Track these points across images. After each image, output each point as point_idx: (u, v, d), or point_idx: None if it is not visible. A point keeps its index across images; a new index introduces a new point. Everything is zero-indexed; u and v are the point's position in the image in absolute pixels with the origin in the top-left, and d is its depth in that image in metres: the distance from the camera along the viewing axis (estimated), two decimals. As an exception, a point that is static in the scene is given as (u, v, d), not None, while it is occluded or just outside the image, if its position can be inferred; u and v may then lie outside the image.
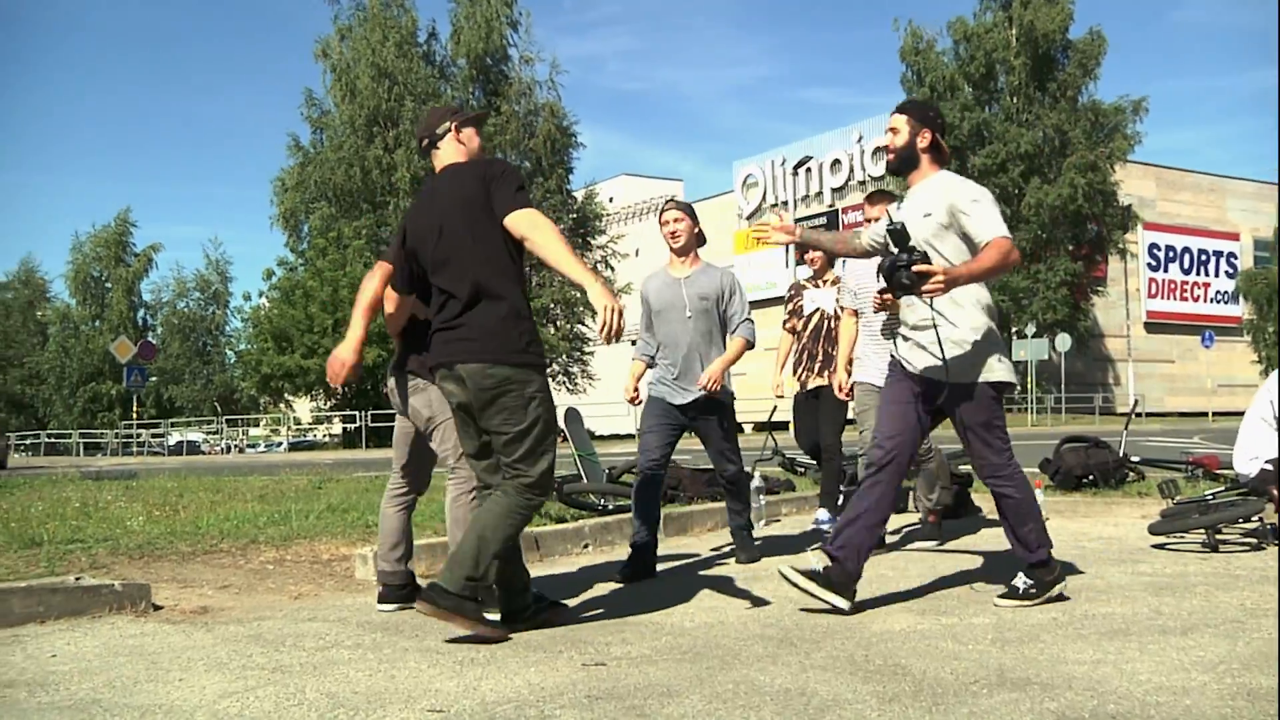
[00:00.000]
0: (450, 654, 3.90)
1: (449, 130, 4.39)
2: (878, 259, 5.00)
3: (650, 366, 5.96)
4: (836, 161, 51.77)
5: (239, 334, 54.32)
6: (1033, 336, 39.03)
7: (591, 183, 46.77)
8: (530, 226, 4.01)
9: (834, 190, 51.95)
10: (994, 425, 4.63)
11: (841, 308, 6.85)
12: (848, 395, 6.76)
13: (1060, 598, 4.63)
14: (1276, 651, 3.60)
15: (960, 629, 4.17)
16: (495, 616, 4.23)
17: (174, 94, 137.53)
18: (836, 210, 51.27)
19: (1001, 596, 4.64)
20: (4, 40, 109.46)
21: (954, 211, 4.48)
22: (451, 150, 4.38)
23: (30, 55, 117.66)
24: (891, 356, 4.82)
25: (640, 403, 5.93)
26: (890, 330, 4.92)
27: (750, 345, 5.87)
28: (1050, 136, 41.51)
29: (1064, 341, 39.43)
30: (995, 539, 6.80)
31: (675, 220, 5.84)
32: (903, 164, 4.70)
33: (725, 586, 5.32)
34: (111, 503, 8.74)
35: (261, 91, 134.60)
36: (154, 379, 57.07)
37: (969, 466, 9.59)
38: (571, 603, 4.90)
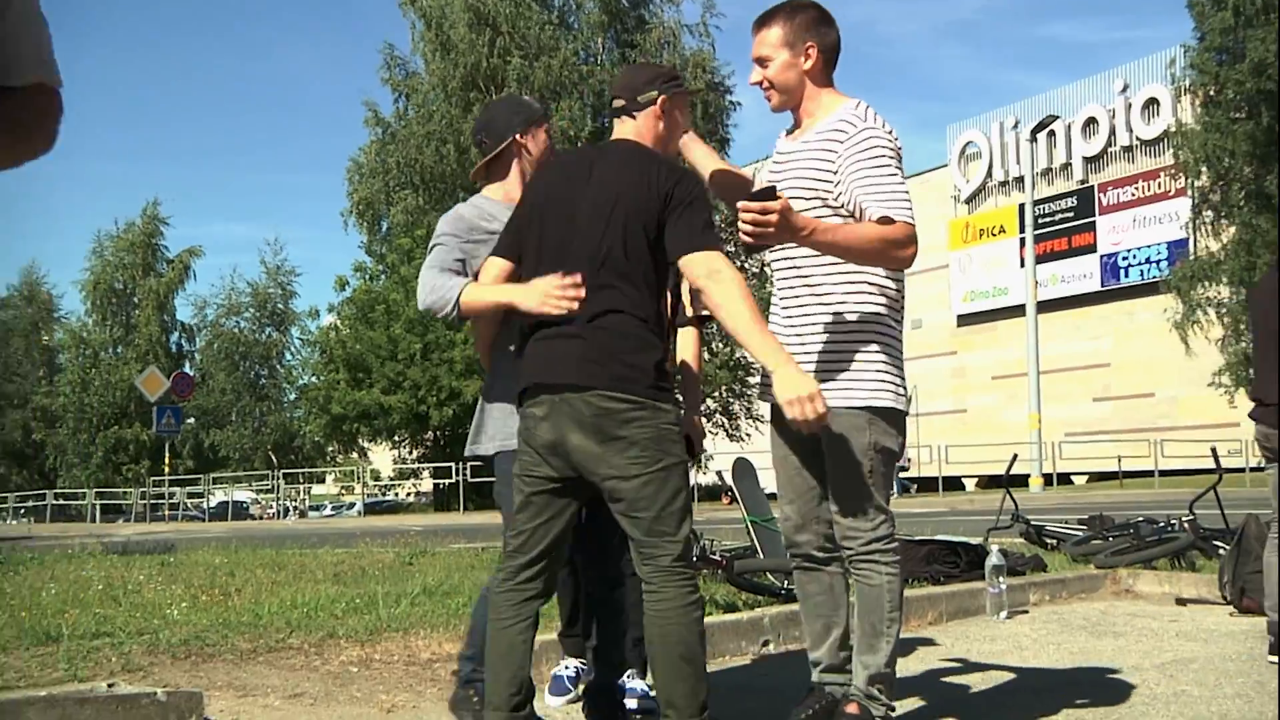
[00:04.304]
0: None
1: (653, 100, 4.30)
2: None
3: None
4: (1091, 121, 50.89)
5: (303, 363, 55.73)
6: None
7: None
8: (710, 275, 3.96)
9: (1087, 160, 51.09)
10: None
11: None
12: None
13: None
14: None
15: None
16: None
17: (219, 51, 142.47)
18: (1092, 188, 50.36)
19: None
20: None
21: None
22: (645, 127, 4.31)
23: None
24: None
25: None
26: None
27: None
28: None
29: None
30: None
31: None
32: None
33: (969, 699, 5.18)
34: (145, 584, 8.97)
35: (333, 47, 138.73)
36: (191, 421, 58.91)
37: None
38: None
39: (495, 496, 4.74)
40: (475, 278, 4.50)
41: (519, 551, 4.08)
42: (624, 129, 4.31)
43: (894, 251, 4.13)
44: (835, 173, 4.27)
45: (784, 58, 4.37)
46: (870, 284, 4.32)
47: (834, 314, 4.32)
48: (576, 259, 4.03)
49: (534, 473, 4.04)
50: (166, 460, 46.06)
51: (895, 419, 4.36)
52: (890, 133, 4.30)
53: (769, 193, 3.91)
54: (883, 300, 4.34)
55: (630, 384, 3.89)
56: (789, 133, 4.59)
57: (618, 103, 4.32)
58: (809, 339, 4.38)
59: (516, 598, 4.08)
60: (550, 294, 3.98)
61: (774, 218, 3.85)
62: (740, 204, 3.90)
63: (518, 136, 4.70)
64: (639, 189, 4.05)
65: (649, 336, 3.98)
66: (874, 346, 4.31)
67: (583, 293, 3.95)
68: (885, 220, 4.09)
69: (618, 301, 3.97)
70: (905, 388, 4.43)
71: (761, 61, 4.40)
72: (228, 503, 49.94)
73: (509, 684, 4.01)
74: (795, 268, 4.43)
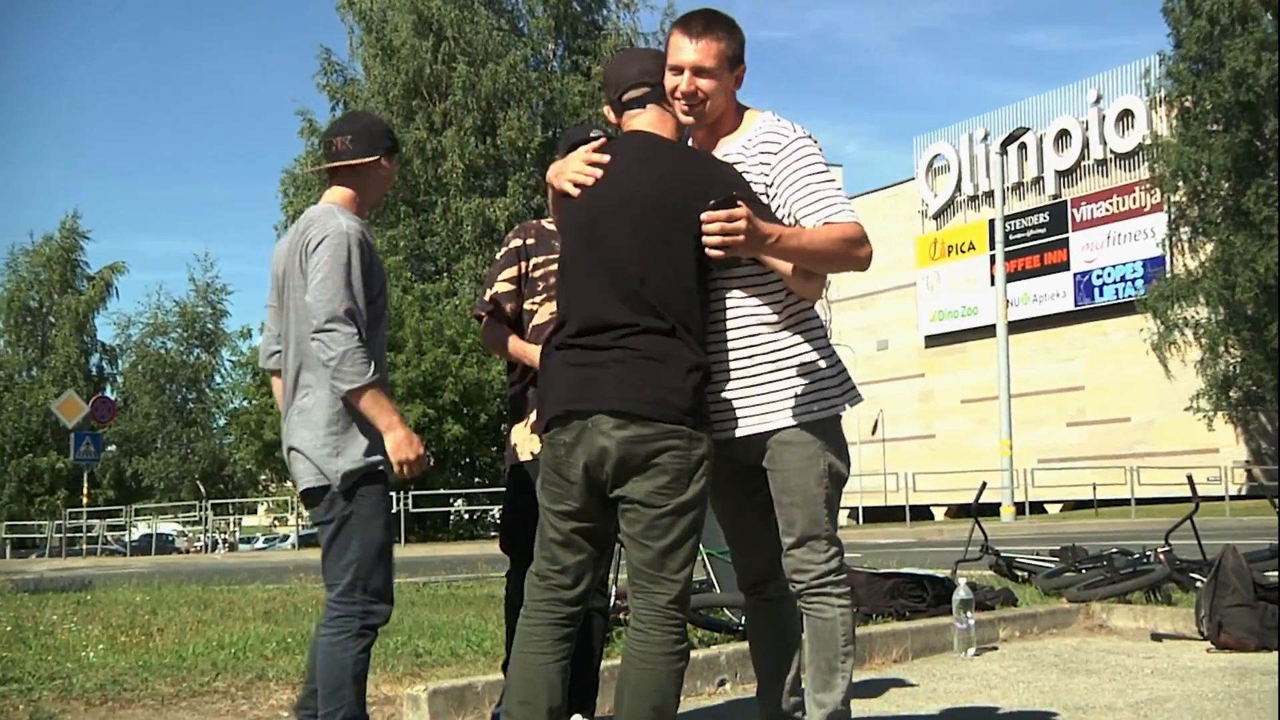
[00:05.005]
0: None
1: None
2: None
3: None
4: (1064, 134, 51.26)
5: (234, 385, 55.27)
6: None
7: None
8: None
9: (1060, 174, 51.46)
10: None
11: None
12: None
13: None
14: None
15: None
16: None
17: (144, 54, 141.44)
18: (1065, 203, 50.72)
19: None
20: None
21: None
22: (671, 111, 4.23)
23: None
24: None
25: None
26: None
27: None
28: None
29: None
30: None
31: None
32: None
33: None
34: (59, 624, 8.87)
35: (266, 52, 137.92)
36: (112, 448, 58.36)
37: None
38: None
39: (361, 532, 4.55)
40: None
41: (564, 587, 4.06)
42: (639, 120, 4.20)
43: (855, 251, 4.06)
44: (771, 184, 4.16)
45: (725, 76, 4.18)
46: (775, 284, 4.21)
47: (746, 323, 4.22)
48: (602, 274, 3.99)
49: (566, 507, 4.02)
50: (85, 490, 45.51)
51: (840, 431, 4.29)
52: (811, 137, 4.24)
53: (729, 202, 3.75)
54: (785, 292, 4.23)
55: (668, 410, 3.87)
56: None
57: (638, 91, 4.20)
58: (734, 362, 4.23)
59: (558, 632, 4.05)
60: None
61: (742, 224, 3.73)
62: (705, 215, 3.74)
63: (382, 159, 4.70)
64: (667, 189, 4.01)
65: (688, 356, 3.93)
66: (799, 343, 4.24)
67: None
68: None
69: (651, 317, 3.93)
70: (848, 376, 4.33)
71: (700, 72, 4.14)
72: (151, 536, 49.49)
73: (548, 713, 3.96)
74: None
